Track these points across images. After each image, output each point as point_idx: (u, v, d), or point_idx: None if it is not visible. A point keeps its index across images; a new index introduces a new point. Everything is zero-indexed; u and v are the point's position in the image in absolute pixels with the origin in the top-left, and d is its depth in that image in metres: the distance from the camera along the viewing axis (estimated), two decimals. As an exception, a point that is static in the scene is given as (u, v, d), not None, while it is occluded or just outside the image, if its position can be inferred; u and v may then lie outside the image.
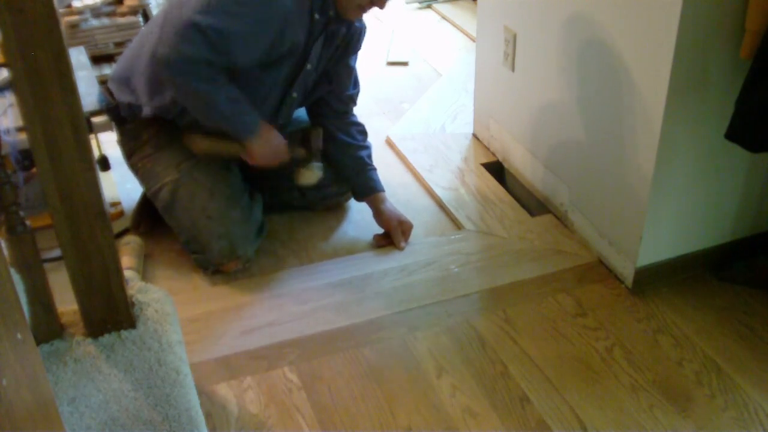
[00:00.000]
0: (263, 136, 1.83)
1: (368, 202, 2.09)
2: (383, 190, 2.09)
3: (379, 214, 2.06)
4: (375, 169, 2.12)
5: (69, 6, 2.58)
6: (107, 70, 2.57)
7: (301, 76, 1.90)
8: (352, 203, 2.18)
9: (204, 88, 1.72)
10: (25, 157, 1.89)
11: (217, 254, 1.88)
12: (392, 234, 2.03)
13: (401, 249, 2.01)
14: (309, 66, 1.90)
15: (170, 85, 1.76)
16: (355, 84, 2.13)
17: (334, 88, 2.05)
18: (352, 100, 2.13)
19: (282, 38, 1.77)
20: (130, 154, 1.98)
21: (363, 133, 2.15)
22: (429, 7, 3.69)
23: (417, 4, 3.70)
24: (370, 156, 2.13)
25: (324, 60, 1.95)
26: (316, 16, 1.82)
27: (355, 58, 2.11)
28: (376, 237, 2.06)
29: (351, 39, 2.00)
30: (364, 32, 2.06)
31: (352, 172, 2.09)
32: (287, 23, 1.76)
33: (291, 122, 2.08)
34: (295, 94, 1.94)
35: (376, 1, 1.82)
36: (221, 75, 1.73)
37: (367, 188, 2.08)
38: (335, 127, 2.08)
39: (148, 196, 1.97)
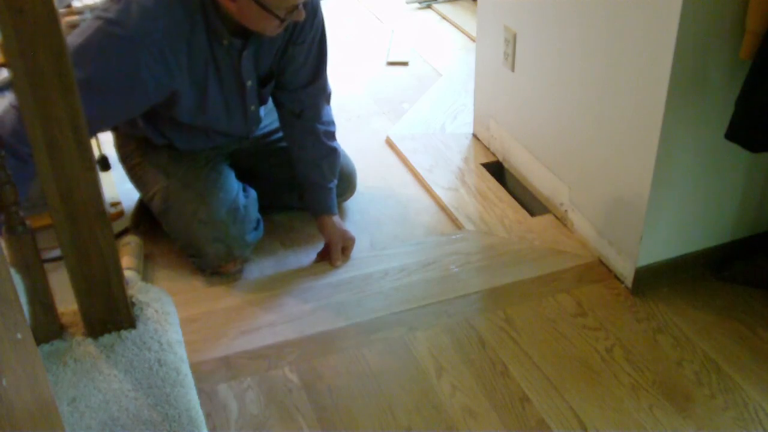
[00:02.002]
0: None
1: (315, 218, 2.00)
2: (334, 214, 1.97)
3: (323, 228, 1.97)
4: (328, 189, 1.97)
5: (69, 6, 2.58)
6: (107, 70, 2.56)
7: (247, 93, 1.82)
8: (352, 203, 2.18)
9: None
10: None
11: (213, 257, 1.86)
12: (331, 249, 1.94)
13: (336, 266, 1.92)
14: (249, 83, 1.80)
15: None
16: (316, 78, 1.91)
17: (284, 81, 1.88)
18: (316, 95, 1.93)
19: (137, 83, 1.61)
20: (123, 160, 1.98)
21: (329, 137, 1.97)
22: (429, 7, 3.69)
23: (417, 4, 3.70)
24: (331, 164, 1.97)
25: (267, 67, 1.84)
26: (204, 47, 1.67)
27: (314, 56, 1.88)
28: (317, 256, 1.98)
29: (291, 33, 1.80)
30: (310, 20, 1.79)
31: (305, 188, 1.99)
32: (138, 68, 1.59)
33: (265, 122, 2.04)
34: (252, 107, 1.88)
35: (262, 23, 1.62)
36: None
37: (316, 209, 1.98)
38: (291, 133, 1.96)
39: (145, 202, 1.97)
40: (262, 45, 1.77)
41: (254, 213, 1.93)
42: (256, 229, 1.93)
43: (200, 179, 1.87)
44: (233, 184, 1.92)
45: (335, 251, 1.94)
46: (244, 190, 1.95)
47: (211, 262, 1.88)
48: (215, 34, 1.67)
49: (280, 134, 2.06)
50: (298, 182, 2.00)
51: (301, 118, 1.93)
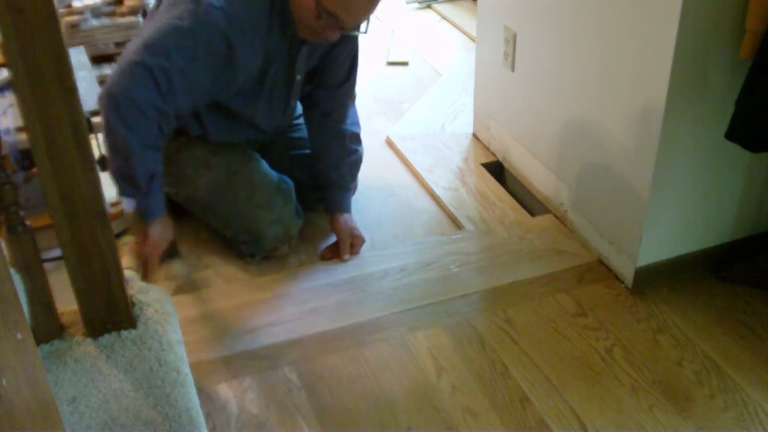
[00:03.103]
0: (163, 223, 1.71)
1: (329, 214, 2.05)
2: (347, 212, 2.03)
3: (334, 223, 2.02)
4: (346, 189, 2.04)
5: (69, 6, 2.58)
6: (107, 70, 2.56)
7: (294, 87, 1.88)
8: (352, 203, 2.18)
9: (135, 148, 1.60)
10: (25, 157, 1.88)
11: (272, 239, 1.91)
12: (340, 243, 1.99)
13: (344, 261, 1.96)
14: (299, 77, 1.86)
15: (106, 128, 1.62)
16: (349, 77, 1.99)
17: (324, 78, 1.95)
18: (346, 95, 2.02)
19: (232, 66, 1.68)
20: None
21: (353, 140, 2.04)
22: (429, 7, 3.69)
23: (417, 4, 3.70)
24: (352, 166, 2.04)
25: (314, 63, 1.90)
26: (276, 35, 1.73)
27: (350, 56, 1.97)
28: (324, 249, 2.01)
29: (343, 43, 1.87)
30: (355, 40, 1.92)
31: (323, 185, 2.04)
32: (233, 50, 1.65)
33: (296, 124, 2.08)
34: (292, 103, 1.93)
35: (328, 32, 1.68)
36: (161, 137, 1.65)
37: (331, 206, 2.04)
38: (319, 133, 2.02)
39: (179, 200, 1.95)
40: (318, 49, 1.85)
41: (295, 196, 1.98)
42: (298, 211, 1.98)
43: (245, 167, 1.90)
44: (272, 170, 1.96)
45: (344, 246, 1.99)
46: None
47: (269, 244, 1.92)
48: (284, 22, 1.72)
49: (300, 134, 2.11)
50: (316, 179, 2.05)
51: (329, 118, 2.00)
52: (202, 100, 1.76)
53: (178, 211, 1.97)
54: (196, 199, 1.93)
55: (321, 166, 2.02)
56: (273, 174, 1.94)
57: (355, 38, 1.91)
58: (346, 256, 1.97)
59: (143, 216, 1.67)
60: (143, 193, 1.63)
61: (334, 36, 1.69)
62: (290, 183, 1.98)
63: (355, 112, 2.08)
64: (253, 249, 1.94)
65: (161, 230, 1.70)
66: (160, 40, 1.59)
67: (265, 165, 1.95)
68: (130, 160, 1.60)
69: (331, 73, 1.94)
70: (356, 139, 2.06)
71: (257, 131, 1.96)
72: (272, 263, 1.97)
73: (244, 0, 1.65)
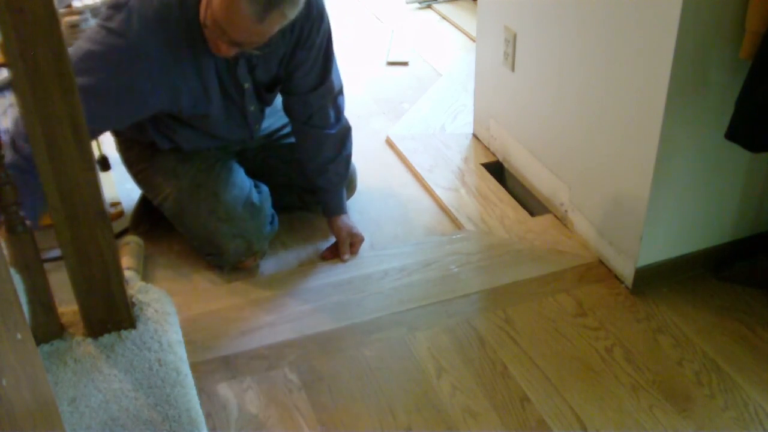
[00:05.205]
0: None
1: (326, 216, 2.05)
2: (342, 213, 2.02)
3: (332, 225, 2.02)
4: (335, 192, 2.00)
5: (69, 6, 2.58)
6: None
7: (246, 95, 1.82)
8: (352, 203, 2.18)
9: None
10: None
11: (234, 253, 1.88)
12: (339, 244, 1.99)
13: (344, 261, 1.96)
14: (246, 85, 1.79)
15: None
16: (323, 81, 1.89)
17: (292, 86, 1.88)
18: (323, 97, 1.91)
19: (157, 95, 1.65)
20: (129, 165, 1.98)
21: (336, 141, 1.97)
22: (429, 7, 3.69)
23: (417, 4, 3.70)
24: (340, 164, 1.99)
25: (270, 72, 1.83)
26: (197, 56, 1.67)
27: (318, 61, 1.86)
28: (325, 251, 2.01)
29: (298, 38, 1.79)
30: (317, 24, 1.79)
31: (316, 189, 2.03)
32: (154, 80, 1.62)
33: (268, 123, 2.04)
34: (251, 107, 1.87)
35: (220, 44, 1.60)
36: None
37: (325, 211, 2.03)
38: (303, 142, 1.98)
39: (155, 205, 1.96)
40: (254, 55, 1.72)
41: (268, 207, 1.96)
42: (271, 223, 1.96)
43: (212, 177, 1.87)
44: (245, 180, 1.93)
45: (344, 246, 1.98)
46: (256, 186, 1.96)
47: (232, 258, 1.89)
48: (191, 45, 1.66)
49: (282, 132, 2.08)
50: (304, 184, 2.04)
51: (308, 124, 1.94)
52: (121, 121, 1.76)
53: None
54: (165, 207, 1.91)
55: (308, 172, 2.00)
56: (244, 185, 1.90)
57: (322, 44, 1.83)
58: (346, 257, 1.97)
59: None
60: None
61: (229, 51, 1.61)
62: (265, 193, 1.95)
63: (339, 107, 1.97)
64: (218, 261, 1.92)
65: None
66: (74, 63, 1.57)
67: (236, 175, 1.90)
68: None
69: (299, 80, 1.86)
70: (341, 138, 1.98)
71: (230, 140, 1.94)
72: (272, 263, 1.97)
73: (152, 28, 1.59)
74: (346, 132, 2.00)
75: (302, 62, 1.83)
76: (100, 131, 1.80)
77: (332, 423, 1.52)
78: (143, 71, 1.61)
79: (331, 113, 1.95)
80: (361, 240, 2.02)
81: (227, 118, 1.84)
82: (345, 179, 2.03)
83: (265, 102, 1.91)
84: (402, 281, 1.90)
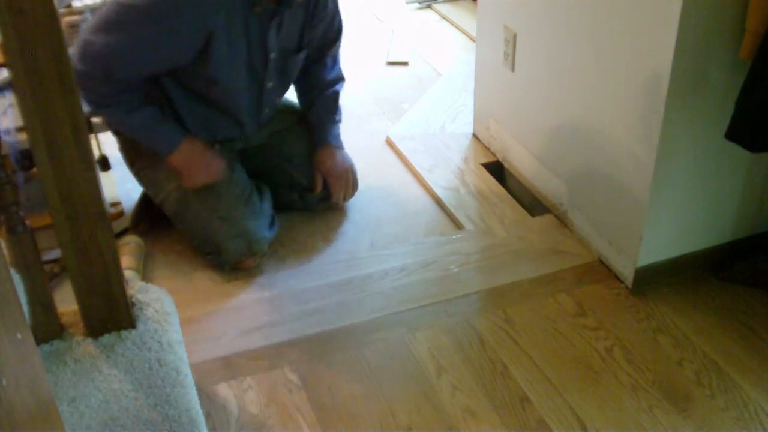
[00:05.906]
0: (185, 152, 1.82)
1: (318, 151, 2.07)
2: (330, 144, 2.05)
3: (318, 161, 2.04)
4: (335, 122, 2.07)
5: (69, 6, 2.57)
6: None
7: (270, 65, 1.86)
8: (352, 203, 2.18)
9: (103, 110, 1.78)
10: (25, 157, 1.89)
11: (234, 253, 1.88)
12: (331, 185, 1.98)
13: (338, 205, 1.95)
14: (272, 55, 1.84)
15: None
16: (339, 32, 2.05)
17: (311, 53, 2.01)
18: (332, 43, 2.06)
19: (189, 29, 1.69)
20: (131, 163, 1.98)
21: (335, 81, 2.10)
22: (429, 7, 3.68)
23: (417, 4, 3.70)
24: (328, 98, 2.07)
25: (292, 40, 1.90)
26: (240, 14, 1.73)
27: (332, 18, 1.99)
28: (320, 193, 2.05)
29: (316, 7, 1.90)
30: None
31: (312, 122, 2.08)
32: (183, 16, 1.68)
33: (280, 108, 2.08)
34: (270, 84, 1.90)
35: None
36: (124, 93, 1.74)
37: (316, 144, 2.06)
38: (301, 88, 2.09)
39: (157, 204, 1.96)
40: (284, 19, 1.80)
41: (269, 209, 1.97)
42: (272, 225, 1.97)
43: None
44: (247, 180, 1.95)
45: (337, 187, 1.99)
46: (258, 186, 1.97)
47: (232, 258, 1.89)
48: (252, 1, 1.71)
49: (282, 132, 2.09)
50: (305, 183, 2.05)
51: (319, 62, 2.05)
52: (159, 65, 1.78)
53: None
54: (166, 205, 1.92)
55: (300, 104, 2.09)
56: (246, 185, 1.93)
57: (335, 8, 1.96)
58: (341, 199, 2.00)
59: (162, 152, 1.80)
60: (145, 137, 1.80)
61: None
62: (266, 194, 1.97)
63: (336, 57, 2.11)
64: (218, 261, 1.92)
65: (184, 159, 1.81)
66: (105, 21, 1.67)
67: (238, 175, 1.93)
68: (120, 122, 1.82)
69: (317, 41, 1.98)
70: (335, 78, 2.09)
71: (236, 125, 1.94)
72: (272, 263, 1.97)
73: None
74: (338, 78, 2.11)
75: (316, 30, 1.94)
76: (135, 77, 1.79)
77: (332, 423, 1.52)
78: (186, 20, 1.66)
79: (330, 62, 2.10)
80: (353, 173, 2.03)
81: (245, 90, 1.86)
82: (335, 111, 2.08)
83: (284, 77, 1.95)
84: (402, 281, 1.90)
